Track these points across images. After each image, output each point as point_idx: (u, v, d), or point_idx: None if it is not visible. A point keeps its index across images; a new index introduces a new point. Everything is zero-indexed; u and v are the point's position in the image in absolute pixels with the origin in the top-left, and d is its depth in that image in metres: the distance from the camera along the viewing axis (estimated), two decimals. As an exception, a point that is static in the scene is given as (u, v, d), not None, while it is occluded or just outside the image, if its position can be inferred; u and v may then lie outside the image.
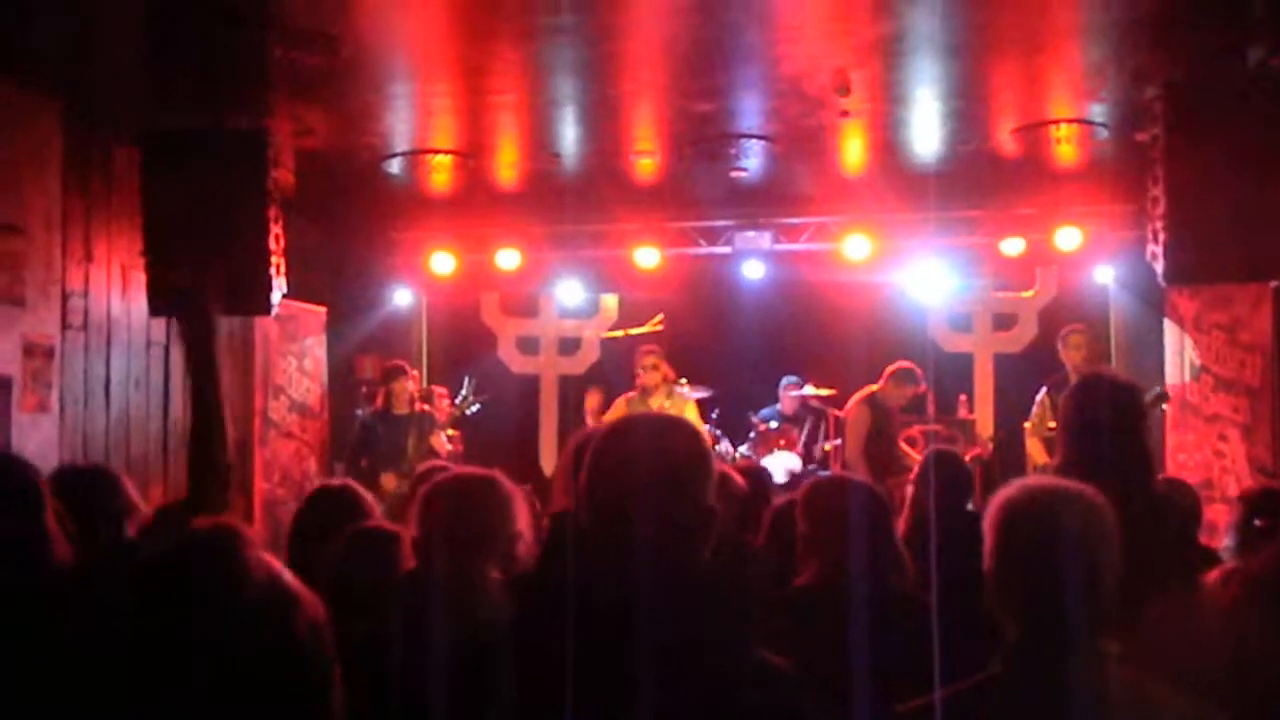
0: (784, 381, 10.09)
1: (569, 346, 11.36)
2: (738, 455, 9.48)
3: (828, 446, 9.48)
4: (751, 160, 8.11)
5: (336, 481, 4.08)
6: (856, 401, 8.62)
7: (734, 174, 8.38)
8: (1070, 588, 1.99)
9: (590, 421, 9.25)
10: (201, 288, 6.35)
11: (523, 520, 2.89)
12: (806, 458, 9.53)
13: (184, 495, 7.59)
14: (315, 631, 1.54)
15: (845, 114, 7.03)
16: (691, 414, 9.09)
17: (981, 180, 8.82)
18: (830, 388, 9.75)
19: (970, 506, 4.66)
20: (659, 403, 9.01)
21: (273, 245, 6.71)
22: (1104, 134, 7.43)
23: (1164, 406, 8.03)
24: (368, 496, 3.84)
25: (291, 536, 3.76)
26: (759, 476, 4.93)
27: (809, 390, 9.84)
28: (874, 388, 8.59)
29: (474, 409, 8.87)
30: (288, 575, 1.57)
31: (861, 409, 8.55)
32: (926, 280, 10.11)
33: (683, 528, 1.92)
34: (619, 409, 8.89)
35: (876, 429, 8.47)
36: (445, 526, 2.82)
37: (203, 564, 1.52)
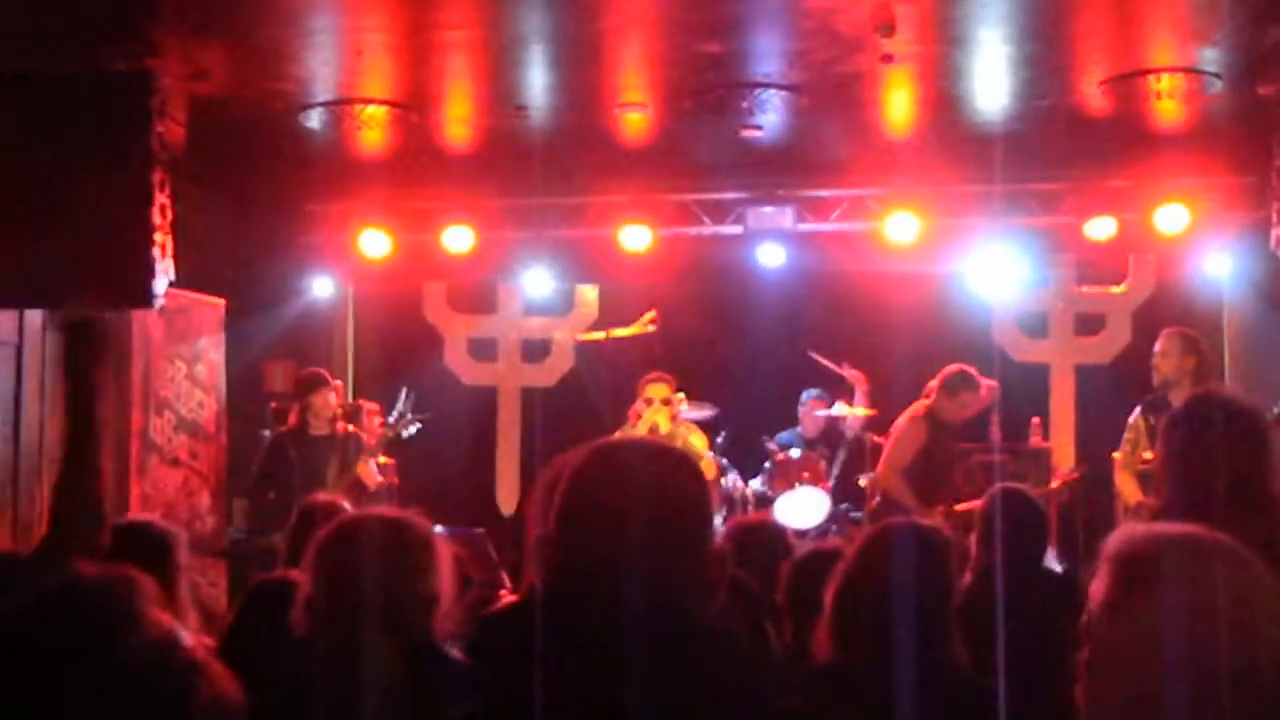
0: (805, 397, 10.06)
1: (535, 351, 11.32)
2: (749, 491, 9.46)
3: (863, 481, 9.46)
4: (769, 116, 8.09)
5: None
6: (911, 416, 8.60)
7: (747, 134, 8.37)
8: (1220, 676, 1.91)
9: (634, 422, 9.21)
10: (63, 273, 6.31)
11: (445, 577, 2.90)
12: (837, 495, 9.51)
13: (44, 533, 7.54)
14: (218, 709, 1.60)
15: (888, 59, 7.02)
16: (701, 445, 9.11)
17: (1061, 145, 8.82)
18: (867, 406, 9.73)
19: (1051, 562, 4.66)
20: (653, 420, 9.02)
21: (157, 219, 6.67)
22: (1217, 86, 7.43)
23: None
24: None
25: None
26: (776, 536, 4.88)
27: (840, 409, 9.82)
28: (928, 402, 8.58)
29: (412, 430, 8.83)
30: (190, 640, 1.63)
31: (916, 425, 8.52)
32: (990, 271, 10.10)
33: (682, 585, 1.91)
34: None
35: (929, 450, 8.45)
36: (332, 585, 2.84)
37: (80, 621, 1.58)
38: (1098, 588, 2.05)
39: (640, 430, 8.96)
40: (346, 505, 4.64)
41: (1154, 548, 2.04)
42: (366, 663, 2.70)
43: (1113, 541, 2.07)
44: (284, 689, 2.70)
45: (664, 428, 8.98)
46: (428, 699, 2.70)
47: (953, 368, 8.59)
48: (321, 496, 5.13)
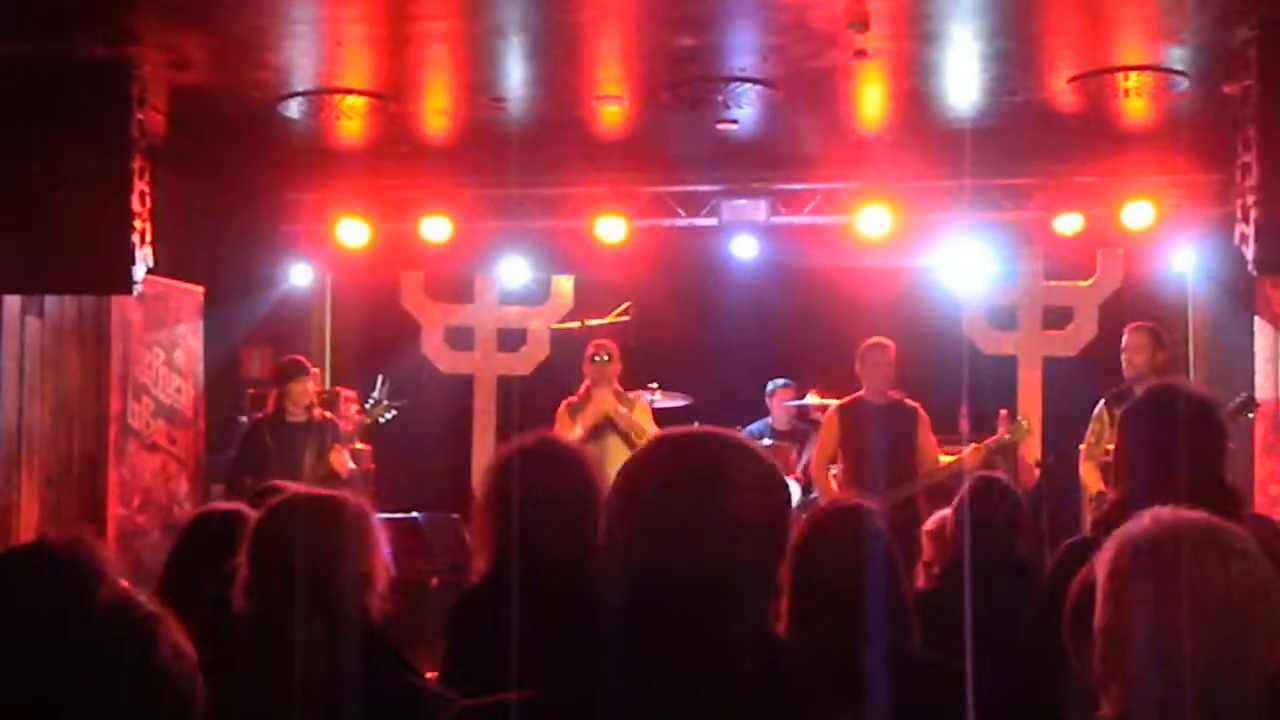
0: (771, 386, 10.04)
1: (511, 340, 11.31)
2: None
3: (833, 470, 9.48)
4: (744, 110, 8.10)
5: (223, 506, 4.07)
6: (830, 410, 8.63)
7: (722, 127, 8.37)
8: (1222, 660, 1.89)
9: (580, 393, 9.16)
10: (42, 259, 6.28)
11: (378, 555, 2.90)
12: (806, 484, 9.52)
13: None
14: (177, 664, 1.70)
15: (861, 54, 7.03)
16: (647, 422, 9.04)
17: (1030, 141, 8.84)
18: (836, 395, 9.74)
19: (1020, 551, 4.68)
20: (604, 408, 8.94)
21: (137, 206, 6.64)
22: (1183, 85, 7.47)
23: (1249, 415, 8.08)
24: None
25: (165, 577, 3.77)
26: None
27: (810, 400, 9.83)
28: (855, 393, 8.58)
29: (389, 417, 8.82)
30: (143, 597, 1.75)
31: (829, 419, 8.52)
32: (960, 264, 10.14)
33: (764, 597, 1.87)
34: (562, 419, 8.88)
35: (854, 437, 8.39)
36: (264, 564, 2.86)
37: (46, 579, 1.70)
38: (1104, 568, 2.02)
39: (599, 378, 8.90)
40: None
41: (1171, 534, 2.01)
42: (296, 640, 2.71)
43: (1129, 526, 2.04)
44: (223, 668, 2.76)
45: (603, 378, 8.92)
46: (359, 677, 2.70)
47: (864, 345, 8.53)
48: (273, 482, 5.10)
